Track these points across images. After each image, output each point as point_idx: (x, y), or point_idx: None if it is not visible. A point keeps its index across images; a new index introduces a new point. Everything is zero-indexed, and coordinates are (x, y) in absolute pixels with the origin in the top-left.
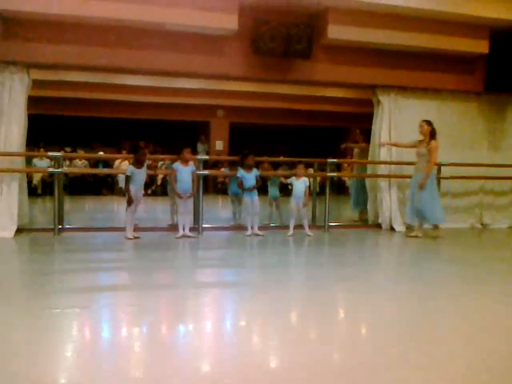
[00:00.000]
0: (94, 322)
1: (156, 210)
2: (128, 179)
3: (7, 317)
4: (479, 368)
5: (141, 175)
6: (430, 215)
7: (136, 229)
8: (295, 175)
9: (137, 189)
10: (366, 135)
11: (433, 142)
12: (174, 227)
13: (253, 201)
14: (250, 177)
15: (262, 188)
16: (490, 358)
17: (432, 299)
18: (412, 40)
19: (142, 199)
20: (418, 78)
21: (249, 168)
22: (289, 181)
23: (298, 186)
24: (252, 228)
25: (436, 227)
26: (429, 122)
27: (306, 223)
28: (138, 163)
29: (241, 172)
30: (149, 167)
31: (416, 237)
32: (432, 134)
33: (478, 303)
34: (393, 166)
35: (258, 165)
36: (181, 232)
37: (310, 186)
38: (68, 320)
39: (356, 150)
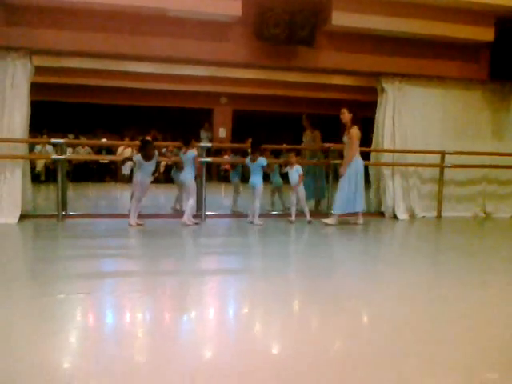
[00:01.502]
0: (97, 308)
1: (160, 196)
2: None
3: (11, 303)
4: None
5: (150, 166)
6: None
7: (139, 216)
8: (288, 164)
9: (143, 177)
10: (368, 123)
11: (353, 130)
12: (179, 214)
13: (254, 191)
14: (254, 167)
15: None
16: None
17: (437, 288)
18: (417, 27)
19: (148, 188)
20: (423, 66)
21: (255, 157)
22: (285, 169)
23: (292, 175)
24: (253, 216)
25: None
26: (350, 110)
27: (306, 211)
28: (146, 157)
29: (247, 160)
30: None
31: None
32: (353, 121)
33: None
34: (396, 153)
35: (279, 152)
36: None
37: (302, 174)
38: (72, 306)
39: (307, 137)
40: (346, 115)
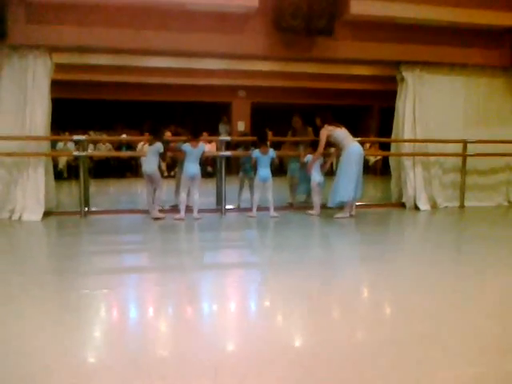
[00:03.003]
0: (121, 303)
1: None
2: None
3: (37, 298)
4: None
5: (150, 154)
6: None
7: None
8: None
9: (145, 166)
10: (388, 113)
11: (321, 131)
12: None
13: (265, 184)
14: (265, 159)
15: (281, 168)
16: None
17: (461, 279)
18: (437, 14)
19: (157, 179)
20: (443, 53)
21: (265, 149)
22: (305, 159)
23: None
24: (268, 210)
25: (341, 208)
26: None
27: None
28: (150, 141)
29: (256, 153)
30: (170, 149)
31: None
32: (323, 123)
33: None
34: (417, 143)
35: (280, 145)
36: (182, 214)
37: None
38: (96, 301)
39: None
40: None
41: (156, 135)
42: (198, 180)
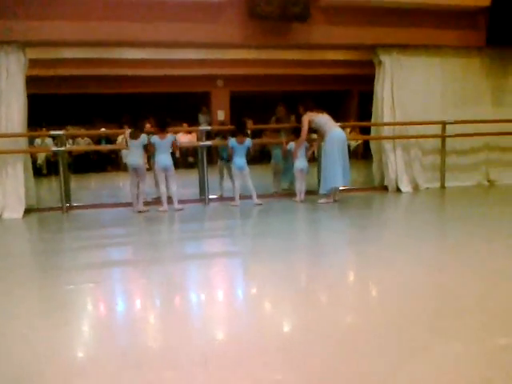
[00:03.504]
0: (107, 297)
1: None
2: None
3: (22, 295)
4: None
5: (134, 145)
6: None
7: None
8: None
9: (129, 159)
10: (367, 97)
11: (303, 117)
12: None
13: (242, 172)
14: (241, 148)
15: (265, 155)
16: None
17: (445, 259)
18: None
19: (143, 172)
20: (419, 35)
21: (242, 139)
22: (288, 147)
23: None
24: (251, 198)
25: (323, 194)
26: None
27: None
28: (133, 135)
29: (232, 142)
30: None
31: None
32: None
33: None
34: (397, 126)
35: (261, 132)
36: (164, 206)
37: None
38: (82, 295)
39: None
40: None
41: (138, 128)
42: (171, 171)
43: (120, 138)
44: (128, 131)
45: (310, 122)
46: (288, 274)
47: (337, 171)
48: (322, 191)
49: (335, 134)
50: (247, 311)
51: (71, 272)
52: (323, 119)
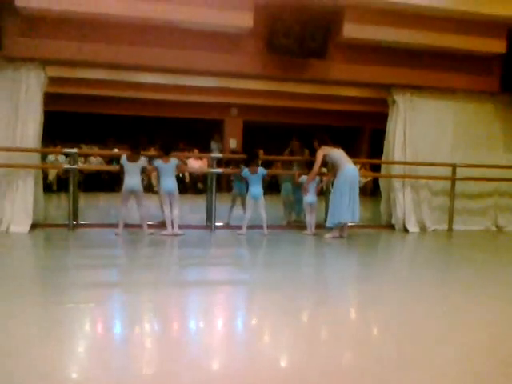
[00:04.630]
0: (107, 318)
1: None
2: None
3: (22, 311)
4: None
5: (133, 168)
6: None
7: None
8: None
9: (128, 182)
10: (379, 135)
11: (318, 152)
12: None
13: (257, 202)
14: (255, 177)
15: (273, 186)
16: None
17: (445, 302)
18: (428, 39)
19: (141, 196)
20: (434, 78)
21: (254, 168)
22: (300, 179)
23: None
24: (260, 228)
25: (329, 229)
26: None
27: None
28: (130, 157)
29: (245, 172)
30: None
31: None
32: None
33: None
34: (407, 166)
35: (271, 163)
36: (169, 230)
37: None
38: (82, 315)
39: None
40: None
41: (136, 150)
42: (175, 195)
43: None
44: (125, 154)
45: (324, 156)
46: (289, 306)
47: (344, 207)
48: (328, 225)
49: (348, 171)
50: (245, 342)
51: (72, 290)
52: (338, 154)
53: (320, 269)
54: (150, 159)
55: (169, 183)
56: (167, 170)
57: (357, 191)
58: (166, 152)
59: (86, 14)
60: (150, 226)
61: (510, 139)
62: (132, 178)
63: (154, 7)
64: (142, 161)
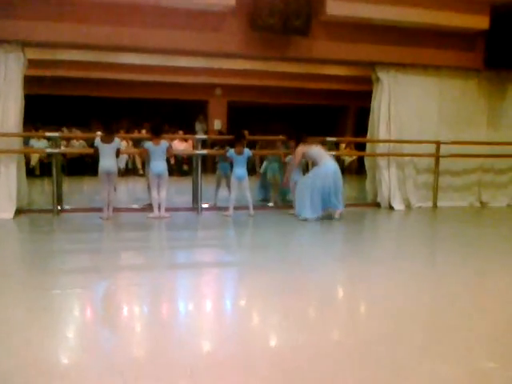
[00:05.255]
0: (94, 303)
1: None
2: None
3: (8, 298)
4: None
5: (107, 149)
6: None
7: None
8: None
9: (103, 163)
10: (364, 113)
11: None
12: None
13: (242, 183)
14: (240, 159)
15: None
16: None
17: (430, 276)
18: (412, 16)
19: (114, 178)
20: (418, 55)
21: (240, 149)
22: (287, 159)
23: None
24: (247, 209)
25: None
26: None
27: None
28: (104, 138)
29: (231, 153)
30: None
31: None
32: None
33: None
34: (392, 143)
35: (255, 143)
36: (156, 213)
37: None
38: (69, 300)
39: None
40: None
41: (110, 131)
42: (165, 178)
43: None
44: (99, 135)
45: (303, 154)
46: (276, 285)
47: (307, 203)
48: (297, 214)
49: (327, 166)
50: (235, 323)
51: (58, 276)
52: (316, 151)
53: (307, 249)
54: (140, 141)
55: (159, 165)
56: (157, 152)
57: (339, 183)
58: (156, 133)
59: None
60: (135, 210)
61: (494, 115)
62: (107, 160)
63: None
64: (116, 142)
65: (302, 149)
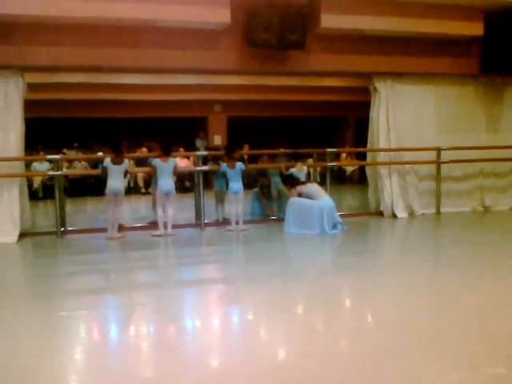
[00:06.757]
0: (100, 323)
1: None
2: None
3: (15, 321)
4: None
5: (116, 170)
6: None
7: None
8: (295, 166)
9: (111, 184)
10: (363, 123)
11: None
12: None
13: (237, 197)
14: (233, 173)
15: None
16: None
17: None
18: (406, 25)
19: (120, 198)
20: (414, 64)
21: (232, 163)
22: (290, 171)
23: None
24: (237, 224)
25: None
26: None
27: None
28: (114, 159)
29: (224, 167)
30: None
31: None
32: None
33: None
34: (392, 152)
35: (257, 158)
36: (161, 230)
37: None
38: (75, 322)
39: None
40: None
41: (119, 153)
42: (172, 195)
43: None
44: (109, 157)
45: (299, 194)
46: (280, 299)
47: (290, 222)
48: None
49: (323, 202)
50: (241, 338)
51: (64, 298)
52: (311, 189)
53: (313, 261)
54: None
55: (168, 183)
56: (166, 170)
57: (335, 215)
58: (166, 152)
59: (59, 18)
60: (139, 228)
61: (492, 120)
62: (115, 181)
63: (131, 8)
64: (126, 163)
65: (296, 190)
